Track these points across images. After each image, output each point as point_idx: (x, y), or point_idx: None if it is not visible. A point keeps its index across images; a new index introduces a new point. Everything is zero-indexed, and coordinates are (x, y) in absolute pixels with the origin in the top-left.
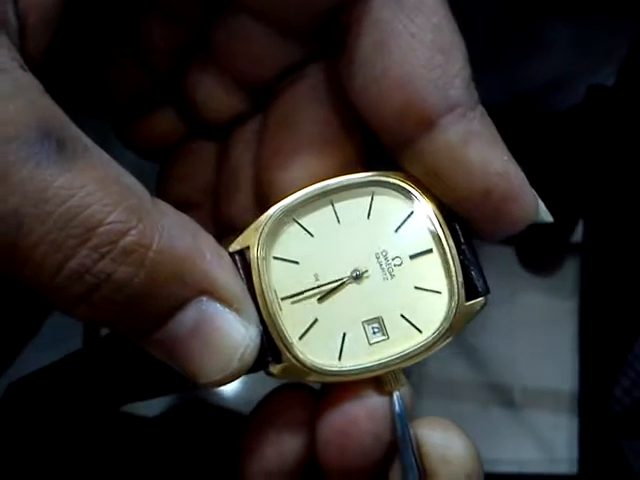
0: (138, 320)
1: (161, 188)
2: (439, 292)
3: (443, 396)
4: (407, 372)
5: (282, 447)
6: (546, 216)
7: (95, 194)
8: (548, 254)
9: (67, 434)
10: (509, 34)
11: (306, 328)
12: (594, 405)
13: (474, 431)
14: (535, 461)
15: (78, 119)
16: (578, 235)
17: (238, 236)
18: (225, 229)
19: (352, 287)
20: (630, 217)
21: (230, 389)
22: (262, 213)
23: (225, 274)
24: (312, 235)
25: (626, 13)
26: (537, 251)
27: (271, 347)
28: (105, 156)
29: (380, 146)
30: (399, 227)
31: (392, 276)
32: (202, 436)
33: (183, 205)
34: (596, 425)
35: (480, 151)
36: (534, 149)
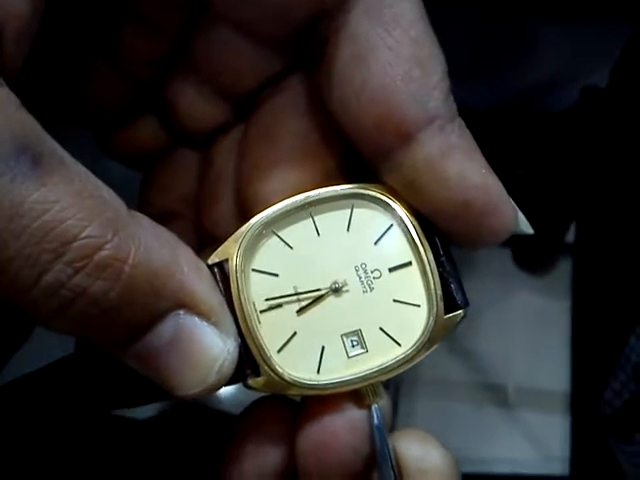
0: (114, 333)
1: (144, 197)
2: (418, 305)
3: (438, 396)
4: (397, 376)
5: (261, 459)
6: (526, 228)
7: (70, 209)
8: (542, 254)
9: (55, 439)
10: (504, 37)
11: (285, 341)
12: (586, 406)
13: (468, 430)
14: (528, 460)
15: (62, 128)
16: (571, 235)
17: (217, 248)
18: (207, 238)
19: (331, 300)
20: (622, 218)
21: (224, 391)
22: (242, 224)
23: (203, 287)
24: (291, 247)
25: (619, 16)
26: (532, 251)
27: (250, 360)
28: (81, 169)
29: (362, 157)
30: (378, 240)
31: (371, 289)
32: (195, 439)
33: (165, 214)
34: (588, 426)
35: (458, 164)
36: (529, 151)
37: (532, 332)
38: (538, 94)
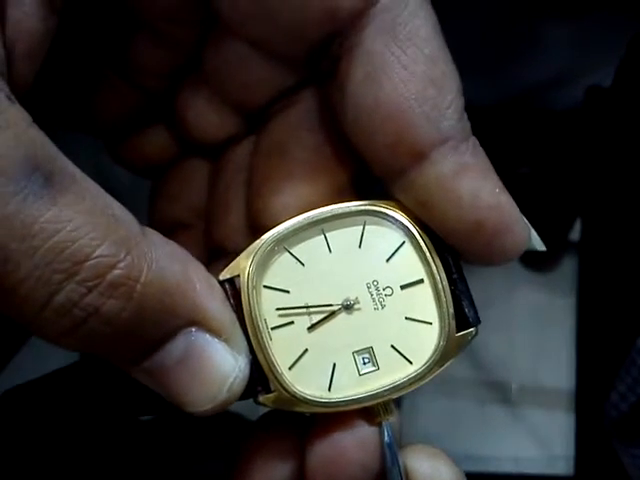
0: (126, 350)
1: (153, 207)
2: (430, 323)
3: (441, 394)
4: (397, 400)
5: (271, 474)
6: (539, 245)
7: (82, 228)
8: (547, 252)
9: (60, 443)
10: (508, 34)
11: (296, 358)
12: (590, 405)
13: (471, 429)
14: (532, 458)
15: (71, 135)
16: (576, 233)
17: (228, 263)
18: (216, 250)
19: (342, 317)
20: (627, 216)
21: None
22: (253, 238)
23: (215, 304)
24: (303, 264)
25: (624, 14)
26: None
27: (260, 377)
28: (93, 186)
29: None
30: (390, 257)
31: (383, 306)
32: (202, 439)
33: (175, 224)
34: (592, 425)
35: (471, 183)
36: (533, 148)
37: (536, 330)
38: (542, 91)
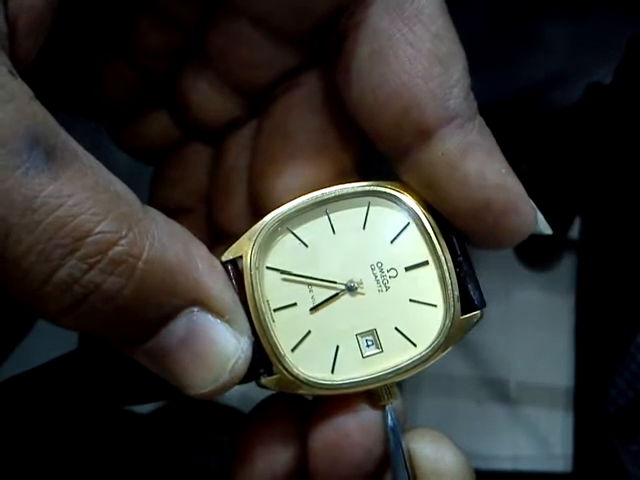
0: (127, 330)
1: (155, 191)
2: (434, 305)
3: (439, 392)
4: (401, 382)
5: (272, 458)
6: (545, 228)
7: (84, 203)
8: (546, 250)
9: (59, 434)
10: (507, 32)
11: (299, 340)
12: (589, 403)
13: (470, 427)
14: (530, 457)
15: (72, 120)
16: (575, 231)
17: (231, 244)
18: (219, 234)
19: (346, 298)
20: (627, 214)
21: None
22: (256, 221)
23: (217, 284)
24: (306, 245)
25: (624, 12)
26: (535, 247)
27: (263, 359)
28: (95, 162)
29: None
30: (395, 238)
31: (387, 288)
32: (199, 433)
33: (176, 209)
34: (591, 423)
35: (478, 163)
36: (532, 146)
37: (535, 328)
38: (541, 90)
